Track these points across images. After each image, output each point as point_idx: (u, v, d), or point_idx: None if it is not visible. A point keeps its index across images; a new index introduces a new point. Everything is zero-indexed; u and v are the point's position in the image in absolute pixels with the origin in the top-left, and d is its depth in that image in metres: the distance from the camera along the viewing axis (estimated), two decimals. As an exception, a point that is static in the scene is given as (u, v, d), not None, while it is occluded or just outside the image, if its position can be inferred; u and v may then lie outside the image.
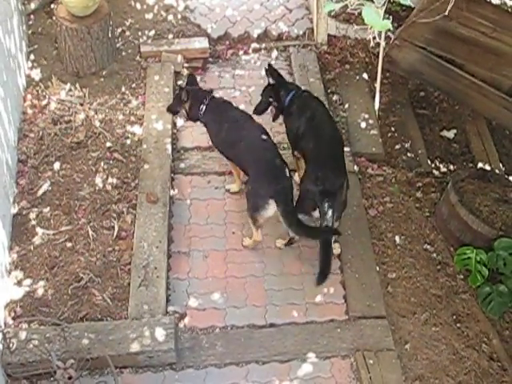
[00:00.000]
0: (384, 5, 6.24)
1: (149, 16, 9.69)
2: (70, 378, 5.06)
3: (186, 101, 7.30)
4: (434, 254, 7.50)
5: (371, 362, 6.36)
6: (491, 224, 7.28)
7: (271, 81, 7.53)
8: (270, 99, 7.56)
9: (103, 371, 6.23)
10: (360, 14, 5.88)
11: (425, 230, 7.68)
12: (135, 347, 6.21)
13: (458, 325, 6.99)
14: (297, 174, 7.60)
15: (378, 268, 7.12)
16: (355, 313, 6.73)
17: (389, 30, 5.75)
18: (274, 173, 6.82)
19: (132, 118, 8.30)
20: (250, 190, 6.95)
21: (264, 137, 7.09)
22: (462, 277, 7.35)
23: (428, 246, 7.55)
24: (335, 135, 7.26)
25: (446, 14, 6.85)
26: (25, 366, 6.10)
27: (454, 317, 7.04)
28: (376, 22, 5.54)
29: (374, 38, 7.31)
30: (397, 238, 7.48)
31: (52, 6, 9.37)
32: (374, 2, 5.71)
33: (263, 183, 6.80)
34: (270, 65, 7.58)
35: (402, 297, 7.03)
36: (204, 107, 7.28)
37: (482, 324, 7.05)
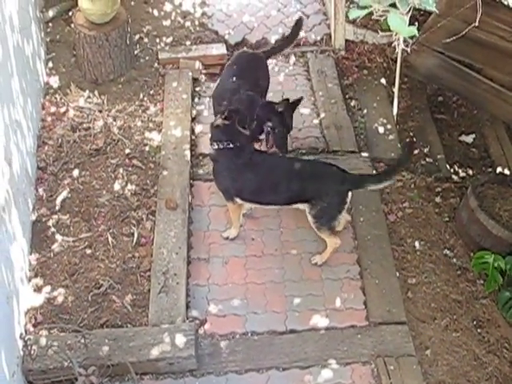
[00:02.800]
0: (409, 11, 6.23)
1: (166, 23, 9.71)
2: (91, 384, 5.07)
3: None
4: (454, 260, 7.47)
5: (392, 367, 6.33)
6: (511, 229, 7.24)
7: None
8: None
9: (124, 378, 6.22)
10: (377, 20, 5.88)
11: (444, 235, 7.65)
12: (155, 354, 6.21)
13: (479, 330, 6.95)
14: None
15: (397, 273, 7.09)
16: (375, 318, 6.71)
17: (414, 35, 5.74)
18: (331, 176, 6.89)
19: (150, 125, 8.31)
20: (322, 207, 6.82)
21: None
22: (482, 282, 7.31)
23: (448, 252, 7.51)
24: None
25: (476, 23, 6.85)
26: (45, 372, 6.11)
27: (475, 322, 7.00)
28: (402, 28, 5.53)
29: (391, 43, 7.31)
30: (416, 244, 7.45)
31: (70, 13, 9.37)
32: (398, 9, 5.70)
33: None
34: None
35: (422, 302, 7.00)
36: None
37: (503, 329, 7.01)
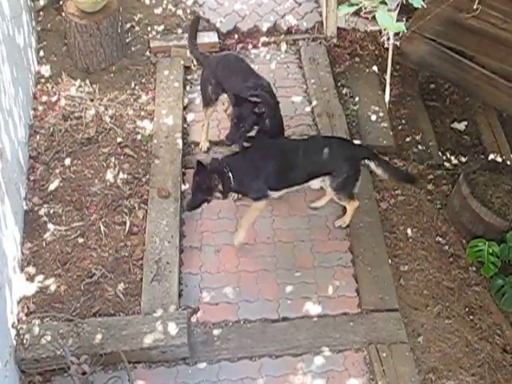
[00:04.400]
0: (397, 8, 6.25)
1: (158, 11, 9.69)
2: (84, 373, 5.07)
3: None
4: (446, 247, 7.48)
5: (384, 355, 6.35)
6: (503, 216, 7.25)
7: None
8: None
9: (116, 366, 6.24)
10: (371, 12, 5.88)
11: (437, 222, 7.66)
12: (148, 342, 6.22)
13: (471, 317, 6.97)
14: None
15: (390, 261, 7.11)
16: (368, 306, 6.73)
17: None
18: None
19: (142, 114, 8.30)
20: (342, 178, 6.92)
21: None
22: (474, 269, 7.33)
23: (440, 239, 7.52)
24: None
25: (473, 11, 6.87)
26: (38, 361, 6.12)
27: (467, 309, 7.02)
28: (390, 24, 5.54)
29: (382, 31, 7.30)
30: (409, 231, 7.47)
31: (61, 2, 9.34)
32: (387, 4, 5.70)
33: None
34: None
35: (414, 289, 7.01)
36: None
37: (495, 316, 7.03)
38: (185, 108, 8.48)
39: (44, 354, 6.12)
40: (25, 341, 6.13)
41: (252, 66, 7.78)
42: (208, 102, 7.60)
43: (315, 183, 6.99)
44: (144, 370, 6.29)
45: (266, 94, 7.01)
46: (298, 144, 7.13)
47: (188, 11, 9.67)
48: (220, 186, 6.60)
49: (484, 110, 9.25)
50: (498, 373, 6.59)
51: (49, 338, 6.16)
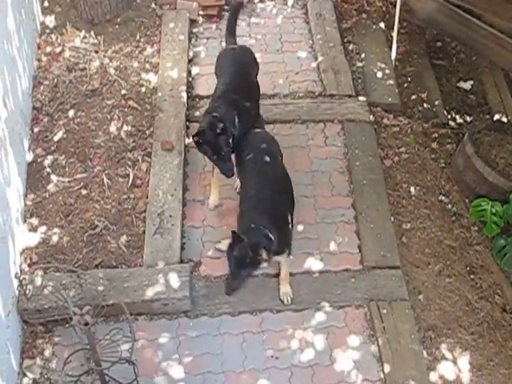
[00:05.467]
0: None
1: (164, -38, 9.57)
2: (86, 324, 5.06)
3: None
4: (449, 206, 7.49)
5: (385, 311, 6.38)
6: (507, 176, 7.24)
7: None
8: None
9: (118, 318, 6.27)
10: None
11: (440, 181, 7.66)
12: (150, 295, 6.26)
13: (472, 276, 7.00)
14: None
15: (392, 218, 7.11)
16: (369, 262, 6.74)
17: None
18: None
19: (147, 66, 8.25)
20: None
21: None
22: (476, 228, 7.34)
23: (443, 198, 7.52)
24: None
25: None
26: (41, 312, 6.15)
27: (468, 268, 7.04)
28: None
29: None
30: (412, 189, 7.47)
31: (66, -48, 9.26)
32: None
33: None
34: None
35: (416, 247, 7.03)
36: None
37: (496, 276, 7.05)
38: (190, 61, 8.44)
39: (46, 304, 6.15)
40: (27, 291, 6.14)
41: (258, 19, 7.71)
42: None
43: None
44: (145, 322, 6.33)
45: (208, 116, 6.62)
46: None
47: (195, -37, 9.56)
48: (265, 254, 5.92)
49: (490, 69, 9.20)
50: (496, 332, 6.62)
51: (51, 288, 6.19)
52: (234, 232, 5.76)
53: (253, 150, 6.52)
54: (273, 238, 5.91)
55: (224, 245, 6.32)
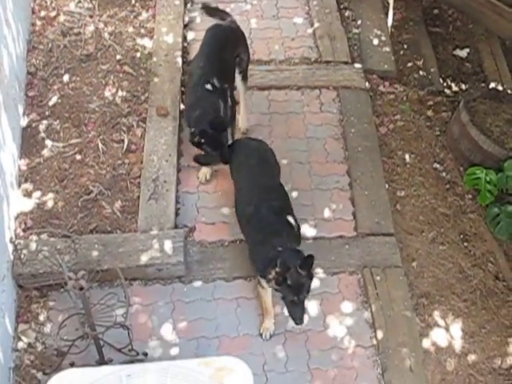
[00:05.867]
0: None
1: None
2: (81, 288, 5.07)
3: None
4: (444, 173, 7.49)
5: (378, 278, 6.41)
6: (502, 144, 7.23)
7: None
8: None
9: (113, 283, 6.31)
10: None
11: (435, 148, 7.65)
12: (144, 260, 6.27)
13: (465, 244, 7.02)
14: None
15: (387, 186, 7.13)
16: (364, 229, 6.77)
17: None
18: None
19: (142, 31, 8.20)
20: None
21: None
22: (470, 196, 7.35)
23: (438, 165, 7.53)
24: None
25: None
26: (35, 276, 6.17)
27: (462, 236, 7.07)
28: None
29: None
30: (407, 157, 7.47)
31: None
32: None
33: None
34: None
35: (410, 215, 7.05)
36: None
37: (489, 244, 7.08)
38: (185, 26, 8.37)
39: (41, 269, 6.16)
40: (22, 256, 6.15)
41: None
42: None
43: None
44: (140, 287, 6.36)
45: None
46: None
47: None
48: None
49: (487, 37, 9.17)
50: (489, 299, 6.67)
51: (46, 253, 6.18)
52: (276, 271, 5.54)
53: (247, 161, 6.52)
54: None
55: (269, 322, 6.18)
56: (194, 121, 6.52)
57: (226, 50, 6.93)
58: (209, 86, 6.59)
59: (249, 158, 6.51)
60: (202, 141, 6.44)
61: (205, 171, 7.02)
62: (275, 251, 5.70)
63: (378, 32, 8.49)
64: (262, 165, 6.49)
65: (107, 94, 7.58)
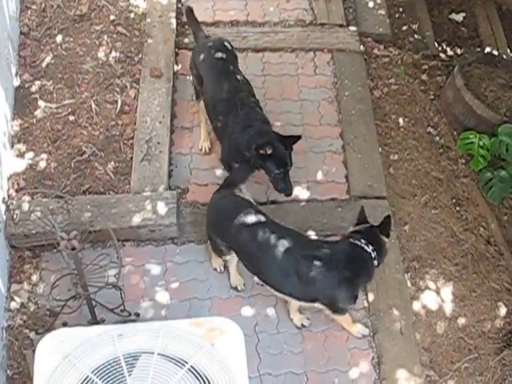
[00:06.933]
0: None
1: None
2: (73, 249, 5.07)
3: None
4: (437, 138, 7.50)
5: (371, 240, 6.44)
6: (496, 109, 7.21)
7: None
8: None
9: (105, 244, 6.34)
10: None
11: (429, 112, 7.65)
12: (137, 221, 6.28)
13: (458, 208, 7.05)
14: None
15: (380, 149, 7.14)
16: (356, 192, 6.80)
17: None
18: None
19: (136, -9, 8.15)
20: None
21: None
22: (463, 161, 7.37)
23: (431, 129, 7.53)
24: None
25: None
26: (28, 237, 6.18)
27: (454, 200, 7.09)
28: None
29: None
30: (400, 120, 7.47)
31: None
32: None
33: None
34: None
35: (403, 178, 7.07)
36: None
37: (481, 208, 7.10)
38: (179, -13, 8.30)
39: (34, 229, 6.18)
40: (15, 216, 6.17)
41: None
42: (198, 95, 6.85)
43: None
44: (132, 248, 6.39)
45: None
46: None
47: None
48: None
49: (483, 1, 9.09)
50: (480, 264, 6.71)
51: (39, 213, 6.20)
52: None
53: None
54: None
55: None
56: (254, 137, 6.08)
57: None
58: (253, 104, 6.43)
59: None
60: (270, 152, 5.99)
61: (204, 144, 6.99)
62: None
63: (374, -6, 8.46)
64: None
65: (100, 54, 7.53)
